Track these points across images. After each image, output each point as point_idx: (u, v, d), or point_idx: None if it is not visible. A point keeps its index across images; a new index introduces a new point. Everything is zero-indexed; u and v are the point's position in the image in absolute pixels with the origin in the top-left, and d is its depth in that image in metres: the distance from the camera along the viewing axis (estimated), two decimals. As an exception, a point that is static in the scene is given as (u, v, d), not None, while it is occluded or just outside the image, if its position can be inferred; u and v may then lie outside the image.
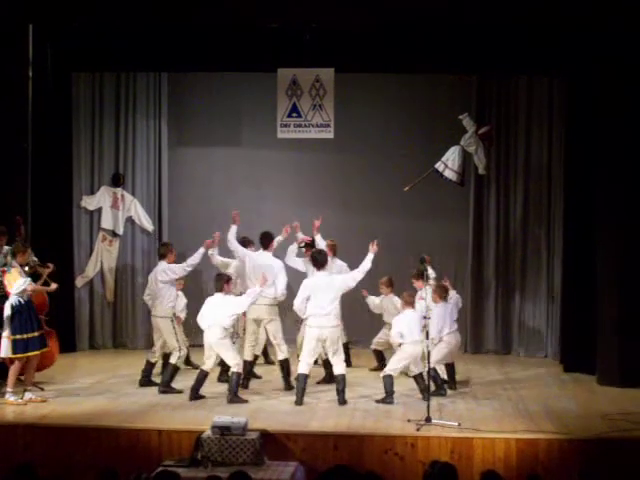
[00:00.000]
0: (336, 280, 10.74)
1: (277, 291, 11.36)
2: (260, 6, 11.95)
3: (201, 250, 11.46)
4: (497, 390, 11.39)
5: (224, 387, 11.06)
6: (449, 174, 12.80)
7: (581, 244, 12.46)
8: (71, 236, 14.13)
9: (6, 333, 10.33)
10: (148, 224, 14.50)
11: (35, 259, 11.24)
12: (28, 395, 10.44)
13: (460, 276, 14.18)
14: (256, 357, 11.85)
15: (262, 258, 11.55)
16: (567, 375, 12.43)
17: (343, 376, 10.53)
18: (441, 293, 11.36)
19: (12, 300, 10.38)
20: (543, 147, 14.04)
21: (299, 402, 10.39)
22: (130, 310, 14.54)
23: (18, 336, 10.31)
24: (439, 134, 13.82)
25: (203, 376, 10.73)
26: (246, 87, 14.46)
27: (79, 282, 14.26)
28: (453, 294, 11.70)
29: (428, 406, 9.56)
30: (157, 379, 11.41)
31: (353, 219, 14.25)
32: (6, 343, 10.32)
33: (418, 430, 9.19)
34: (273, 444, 9.01)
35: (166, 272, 11.24)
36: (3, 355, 10.40)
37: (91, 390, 11.19)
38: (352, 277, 10.82)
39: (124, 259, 14.60)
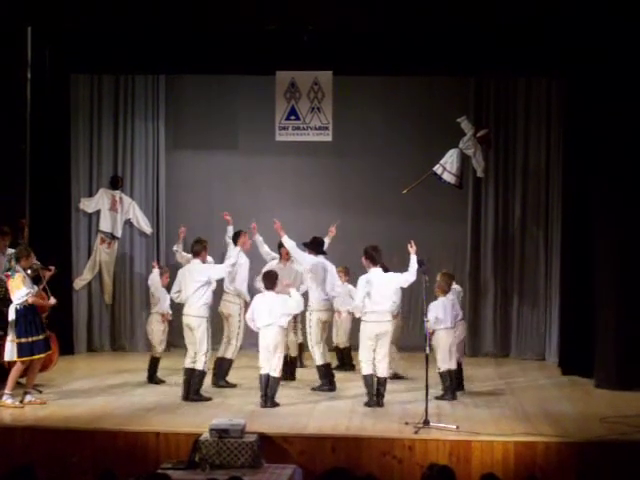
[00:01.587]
0: (392, 277, 10.72)
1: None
2: (258, 8, 11.96)
3: (237, 248, 11.32)
4: (495, 393, 11.40)
5: (223, 390, 11.14)
6: (447, 177, 12.83)
7: (579, 246, 12.47)
8: (69, 238, 14.13)
9: (11, 337, 10.33)
10: (146, 227, 14.50)
11: (37, 262, 11.21)
12: (28, 397, 10.44)
13: (458, 278, 14.08)
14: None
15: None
16: (565, 378, 12.45)
17: (385, 379, 10.60)
18: (444, 287, 11.33)
19: (16, 304, 10.39)
20: (541, 149, 14.06)
21: (372, 403, 10.44)
22: (128, 312, 14.54)
23: (23, 339, 10.31)
24: (437, 137, 13.84)
25: (267, 380, 10.49)
26: (244, 90, 14.48)
27: (77, 284, 14.26)
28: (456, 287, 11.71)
29: (426, 409, 9.55)
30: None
31: (352, 222, 14.22)
32: (11, 346, 10.32)
33: (416, 433, 9.19)
34: (271, 446, 9.00)
35: (206, 272, 10.92)
36: (8, 359, 10.40)
37: (89, 392, 11.19)
38: (405, 279, 10.77)
39: (122, 261, 14.59)
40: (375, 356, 10.59)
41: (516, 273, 14.21)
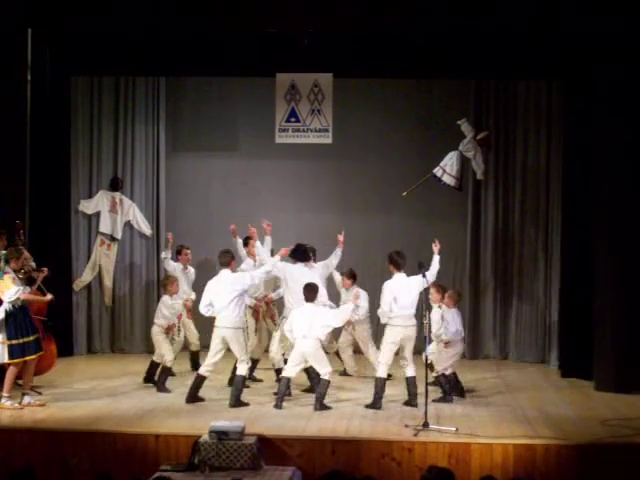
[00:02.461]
0: (414, 281, 10.76)
1: None
2: (258, 11, 11.96)
3: (276, 257, 11.17)
4: (495, 395, 11.40)
5: (223, 392, 11.15)
6: (447, 179, 12.83)
7: (579, 248, 12.46)
8: (69, 240, 14.10)
9: (1, 338, 10.28)
10: (146, 229, 14.50)
11: (33, 264, 11.18)
12: (27, 399, 10.42)
13: (458, 281, 14.18)
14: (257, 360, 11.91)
15: None
16: (565, 380, 12.44)
17: (414, 377, 10.72)
18: (456, 298, 11.49)
19: (6, 305, 10.33)
20: (541, 151, 14.05)
21: (380, 406, 10.46)
22: (128, 314, 14.53)
23: (14, 341, 10.27)
24: (437, 139, 13.83)
25: (287, 383, 10.56)
26: (244, 92, 14.48)
27: (77, 286, 14.24)
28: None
29: (426, 411, 9.55)
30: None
31: (352, 224, 14.19)
32: (1, 348, 10.26)
33: (415, 435, 9.19)
34: (270, 449, 9.00)
35: (240, 282, 10.76)
36: None
37: (89, 394, 11.18)
38: (426, 280, 10.81)
39: (122, 263, 14.59)
40: (403, 359, 10.75)
41: (515, 275, 14.20)
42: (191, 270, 12.91)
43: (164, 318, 11.72)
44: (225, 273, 10.87)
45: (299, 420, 9.89)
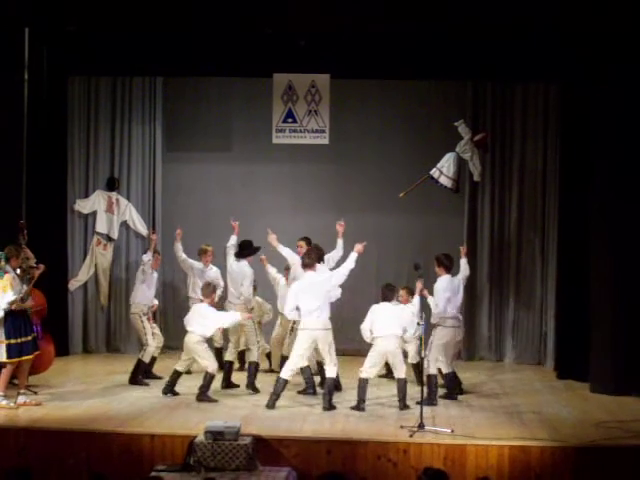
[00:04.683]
0: (458, 281, 11.11)
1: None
2: (256, 12, 11.96)
3: (353, 255, 10.93)
4: (490, 397, 11.41)
5: (219, 394, 11.17)
6: (444, 181, 12.82)
7: (575, 251, 12.48)
8: (65, 240, 14.13)
9: (0, 337, 10.30)
10: (142, 229, 14.49)
11: (32, 264, 11.12)
12: (22, 399, 10.40)
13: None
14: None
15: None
16: (560, 382, 12.45)
17: (435, 376, 10.96)
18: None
19: (4, 305, 10.33)
20: (538, 153, 14.08)
21: (436, 402, 10.73)
22: (124, 314, 14.48)
23: (12, 340, 10.27)
24: (434, 140, 13.84)
25: (365, 384, 10.49)
26: (241, 93, 14.49)
27: (72, 286, 14.24)
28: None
29: (421, 412, 9.55)
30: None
31: (349, 224, 14.13)
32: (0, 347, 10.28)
33: (411, 436, 9.18)
34: (266, 449, 9.00)
35: (328, 282, 10.65)
36: None
37: (84, 394, 11.16)
38: (464, 278, 11.38)
39: (118, 263, 14.59)
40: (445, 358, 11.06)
41: (512, 277, 14.22)
42: (155, 275, 12.57)
43: (204, 326, 10.98)
44: (311, 275, 10.66)
45: (295, 421, 9.88)
